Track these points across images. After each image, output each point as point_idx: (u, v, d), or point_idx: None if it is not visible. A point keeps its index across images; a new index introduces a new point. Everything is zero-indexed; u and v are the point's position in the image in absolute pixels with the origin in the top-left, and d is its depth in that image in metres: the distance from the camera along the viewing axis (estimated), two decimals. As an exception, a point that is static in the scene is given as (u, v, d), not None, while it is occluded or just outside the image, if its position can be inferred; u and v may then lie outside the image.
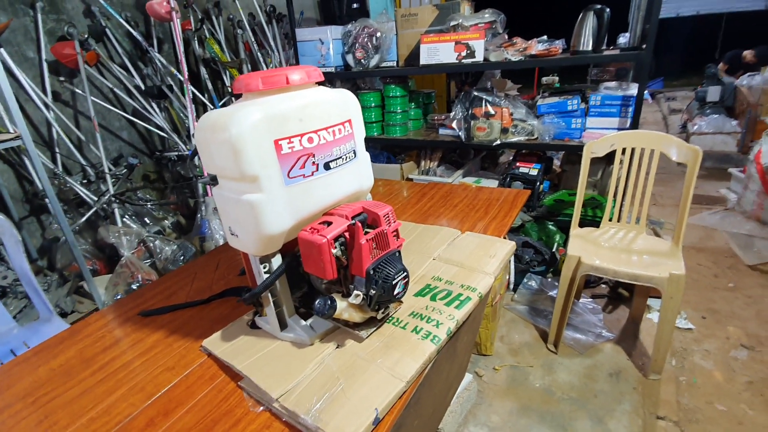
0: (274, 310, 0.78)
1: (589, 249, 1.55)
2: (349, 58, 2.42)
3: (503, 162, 2.97)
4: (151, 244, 2.25)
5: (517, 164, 2.24)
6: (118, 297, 1.98)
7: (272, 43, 2.84)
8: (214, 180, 0.70)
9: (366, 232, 0.70)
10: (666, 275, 1.32)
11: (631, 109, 1.97)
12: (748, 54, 5.56)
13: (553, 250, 2.04)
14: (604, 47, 2.00)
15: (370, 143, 2.97)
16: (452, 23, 2.10)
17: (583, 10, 1.89)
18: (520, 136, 2.15)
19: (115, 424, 0.67)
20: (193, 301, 0.99)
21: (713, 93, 5.03)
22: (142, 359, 0.82)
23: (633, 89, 2.00)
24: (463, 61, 2.08)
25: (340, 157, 0.74)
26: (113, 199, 2.13)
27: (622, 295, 2.00)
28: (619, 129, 2.02)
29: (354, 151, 0.78)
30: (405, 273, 0.74)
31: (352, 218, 0.72)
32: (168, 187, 2.95)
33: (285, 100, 0.66)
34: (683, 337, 1.72)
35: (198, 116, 2.50)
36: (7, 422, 0.71)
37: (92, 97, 2.34)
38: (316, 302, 0.72)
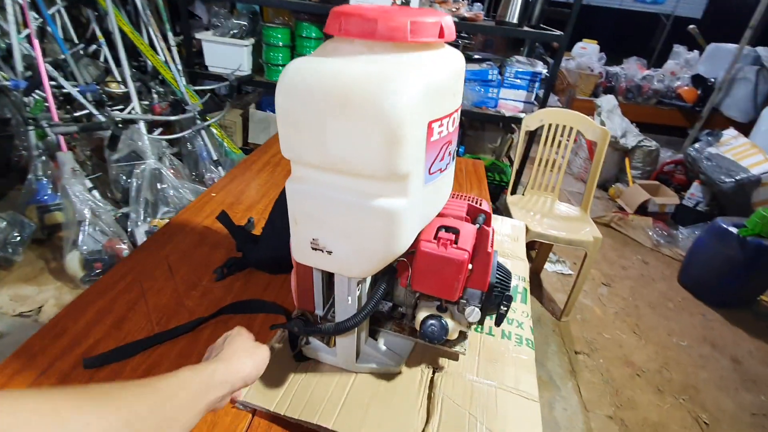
0: (356, 338, 0.59)
1: (528, 216, 1.71)
2: (254, -20, 1.94)
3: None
4: (-50, 222, 1.47)
5: (439, 128, 2.25)
6: None
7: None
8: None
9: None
10: (591, 239, 1.57)
11: (537, 85, 2.17)
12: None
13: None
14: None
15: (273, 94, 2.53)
16: (386, -36, 1.87)
17: (515, -18, 1.92)
18: (444, 101, 2.15)
19: None
20: (171, 330, 0.68)
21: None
22: (142, 442, 0.53)
23: (538, 66, 2.20)
24: (397, 10, 1.90)
25: (456, 145, 0.57)
26: None
27: (520, 250, 2.32)
28: (525, 102, 2.21)
29: (452, 132, 0.62)
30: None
31: (473, 221, 0.58)
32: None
33: (439, 64, 0.45)
34: (567, 281, 2.12)
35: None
36: None
37: None
38: (428, 326, 0.58)
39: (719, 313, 2.00)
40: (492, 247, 0.58)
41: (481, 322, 0.63)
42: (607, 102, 3.60)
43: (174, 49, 2.05)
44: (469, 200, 0.64)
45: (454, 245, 0.52)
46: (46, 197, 1.70)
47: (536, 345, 1.59)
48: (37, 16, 1.71)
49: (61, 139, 1.48)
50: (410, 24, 0.42)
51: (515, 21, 2.00)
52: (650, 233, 2.72)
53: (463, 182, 1.39)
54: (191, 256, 0.88)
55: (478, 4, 2.13)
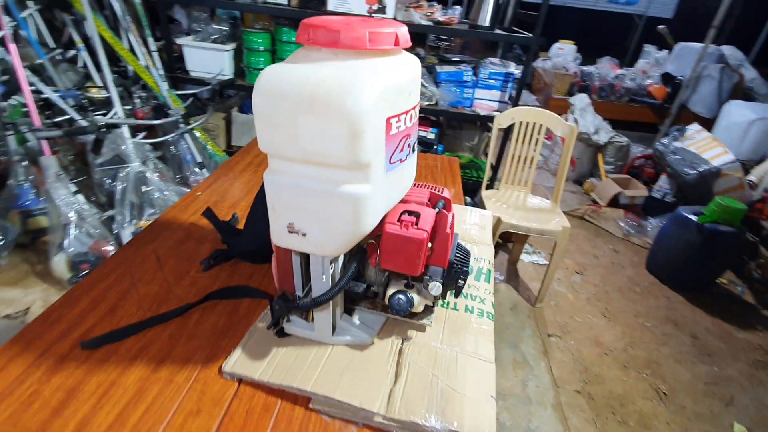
0: (331, 313, 0.66)
1: (502, 209, 1.80)
2: (233, -14, 1.99)
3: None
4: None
5: (417, 127, 2.33)
6: None
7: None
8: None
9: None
10: (560, 229, 1.68)
11: (510, 85, 2.28)
12: None
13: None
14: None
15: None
16: (362, -30, 1.94)
17: (485, -14, 2.02)
18: (422, 101, 2.24)
19: None
20: (161, 315, 0.74)
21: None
22: (139, 410, 0.59)
23: (511, 67, 2.31)
24: (373, 14, 1.98)
25: (416, 138, 0.65)
26: None
27: (497, 242, 2.42)
28: (499, 101, 2.32)
29: (413, 128, 0.69)
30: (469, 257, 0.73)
31: (434, 206, 0.66)
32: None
33: (395, 68, 0.53)
34: (542, 270, 2.23)
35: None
36: None
37: None
38: (395, 299, 0.65)
39: (682, 295, 2.14)
40: (451, 228, 0.66)
41: (443, 296, 0.71)
42: (580, 100, 3.74)
43: (155, 54, 2.09)
44: (432, 189, 0.72)
45: (415, 226, 0.60)
46: (28, 202, 1.72)
47: (512, 330, 1.69)
48: (10, 19, 1.72)
49: (44, 143, 1.51)
50: (369, 34, 0.49)
51: (487, 24, 2.09)
52: (621, 224, 2.86)
53: (438, 177, 1.47)
54: (178, 250, 0.94)
55: (458, 7, 2.21)
